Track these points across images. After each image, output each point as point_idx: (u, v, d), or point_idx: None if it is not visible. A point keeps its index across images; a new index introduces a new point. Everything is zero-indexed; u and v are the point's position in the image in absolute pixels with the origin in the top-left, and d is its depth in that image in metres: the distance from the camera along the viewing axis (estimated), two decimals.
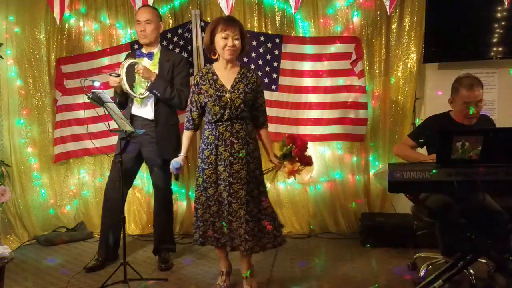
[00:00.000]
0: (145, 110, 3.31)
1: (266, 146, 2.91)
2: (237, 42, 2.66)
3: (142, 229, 4.26)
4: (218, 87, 2.68)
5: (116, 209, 3.20)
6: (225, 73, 2.72)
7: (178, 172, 2.77)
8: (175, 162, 2.75)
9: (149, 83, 3.21)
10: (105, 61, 4.17)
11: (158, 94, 3.23)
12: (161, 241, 3.48)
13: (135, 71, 3.20)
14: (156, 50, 3.38)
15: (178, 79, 3.33)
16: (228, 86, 2.68)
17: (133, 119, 3.29)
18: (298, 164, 2.79)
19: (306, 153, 2.81)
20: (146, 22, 3.30)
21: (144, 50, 3.38)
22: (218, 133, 2.68)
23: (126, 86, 3.18)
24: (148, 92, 3.24)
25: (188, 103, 2.82)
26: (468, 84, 2.81)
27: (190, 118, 2.80)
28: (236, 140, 2.67)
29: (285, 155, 2.80)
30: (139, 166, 3.50)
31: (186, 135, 2.83)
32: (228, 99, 2.65)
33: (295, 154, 2.76)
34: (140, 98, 3.26)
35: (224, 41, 2.64)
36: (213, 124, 2.71)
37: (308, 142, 4.03)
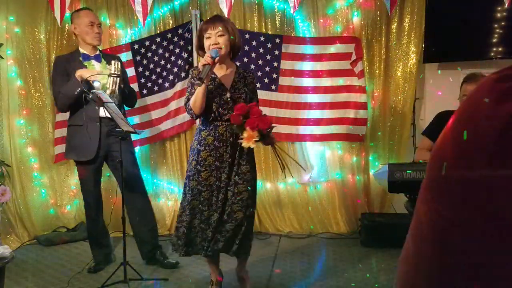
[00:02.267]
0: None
1: None
2: (220, 39, 2.54)
3: None
4: (217, 85, 2.61)
5: (96, 215, 3.38)
6: (222, 72, 2.64)
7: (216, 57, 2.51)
8: (215, 51, 2.51)
9: (115, 87, 3.09)
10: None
11: (127, 92, 3.28)
12: (155, 240, 3.45)
13: (117, 73, 3.07)
14: (98, 52, 3.35)
15: (125, 79, 3.37)
16: (228, 86, 2.61)
17: (101, 121, 3.20)
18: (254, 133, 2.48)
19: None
20: (98, 25, 3.30)
21: (89, 53, 3.29)
22: (217, 134, 2.58)
23: (114, 88, 3.08)
24: (116, 91, 3.13)
25: (189, 96, 2.64)
26: (469, 78, 2.90)
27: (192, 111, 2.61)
28: (236, 141, 2.58)
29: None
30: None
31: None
32: (228, 99, 2.59)
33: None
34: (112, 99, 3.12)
35: (208, 41, 2.55)
36: (211, 125, 2.61)
37: (308, 142, 4.11)
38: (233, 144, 2.59)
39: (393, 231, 3.64)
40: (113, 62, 3.10)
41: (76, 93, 3.08)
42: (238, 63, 2.79)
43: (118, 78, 3.05)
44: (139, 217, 3.38)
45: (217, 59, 2.50)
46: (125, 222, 3.08)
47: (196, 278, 3.16)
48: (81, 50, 3.29)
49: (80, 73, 3.09)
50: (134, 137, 3.86)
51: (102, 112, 3.16)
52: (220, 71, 2.66)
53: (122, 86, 3.15)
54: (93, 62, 3.28)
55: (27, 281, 3.19)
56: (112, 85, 3.05)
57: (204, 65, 2.47)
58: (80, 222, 4.27)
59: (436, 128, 2.99)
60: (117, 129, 3.04)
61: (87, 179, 3.30)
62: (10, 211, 4.04)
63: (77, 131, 3.22)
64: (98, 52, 3.34)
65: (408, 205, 3.01)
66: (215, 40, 2.54)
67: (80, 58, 3.26)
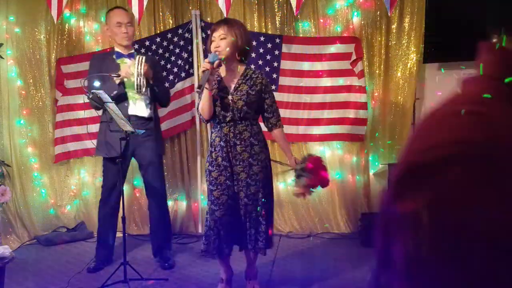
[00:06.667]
0: (140, 109, 3.29)
1: (282, 148, 2.85)
2: (222, 42, 2.53)
3: (142, 229, 4.27)
4: (221, 88, 2.62)
5: (111, 215, 3.38)
6: (228, 75, 2.64)
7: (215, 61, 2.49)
8: (213, 55, 2.50)
9: (139, 81, 3.12)
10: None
11: (157, 90, 3.27)
12: (163, 241, 3.49)
13: (141, 68, 3.10)
14: (132, 51, 3.38)
15: (159, 78, 3.40)
16: (231, 88, 2.62)
17: (130, 118, 3.23)
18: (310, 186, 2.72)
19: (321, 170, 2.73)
20: (128, 25, 3.30)
21: (122, 52, 3.32)
22: (222, 134, 2.62)
23: (139, 82, 3.10)
24: (145, 89, 3.19)
25: (198, 101, 2.68)
26: None
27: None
28: (238, 142, 2.61)
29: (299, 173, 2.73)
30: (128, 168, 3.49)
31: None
32: (230, 101, 2.59)
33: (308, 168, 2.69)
34: (140, 95, 3.22)
35: (213, 44, 2.57)
36: (218, 126, 2.66)
37: (308, 142, 4.11)
38: (238, 144, 2.62)
39: None
40: (137, 57, 3.14)
41: (113, 95, 3.11)
42: (243, 63, 2.72)
43: (143, 74, 3.09)
44: (156, 218, 3.47)
45: (216, 63, 2.48)
46: (125, 222, 3.08)
47: (196, 278, 3.16)
48: (116, 49, 3.35)
49: (122, 74, 3.14)
50: None
51: (131, 110, 3.25)
52: (226, 73, 2.66)
53: (151, 82, 3.19)
54: (125, 59, 3.30)
55: (27, 281, 3.19)
56: (137, 80, 3.07)
57: (203, 72, 2.48)
58: (80, 222, 4.27)
59: None
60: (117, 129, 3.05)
61: (111, 176, 3.30)
62: (10, 211, 4.05)
63: (107, 127, 3.23)
64: (132, 51, 3.37)
65: None
66: (217, 43, 2.54)
67: (114, 56, 3.30)
